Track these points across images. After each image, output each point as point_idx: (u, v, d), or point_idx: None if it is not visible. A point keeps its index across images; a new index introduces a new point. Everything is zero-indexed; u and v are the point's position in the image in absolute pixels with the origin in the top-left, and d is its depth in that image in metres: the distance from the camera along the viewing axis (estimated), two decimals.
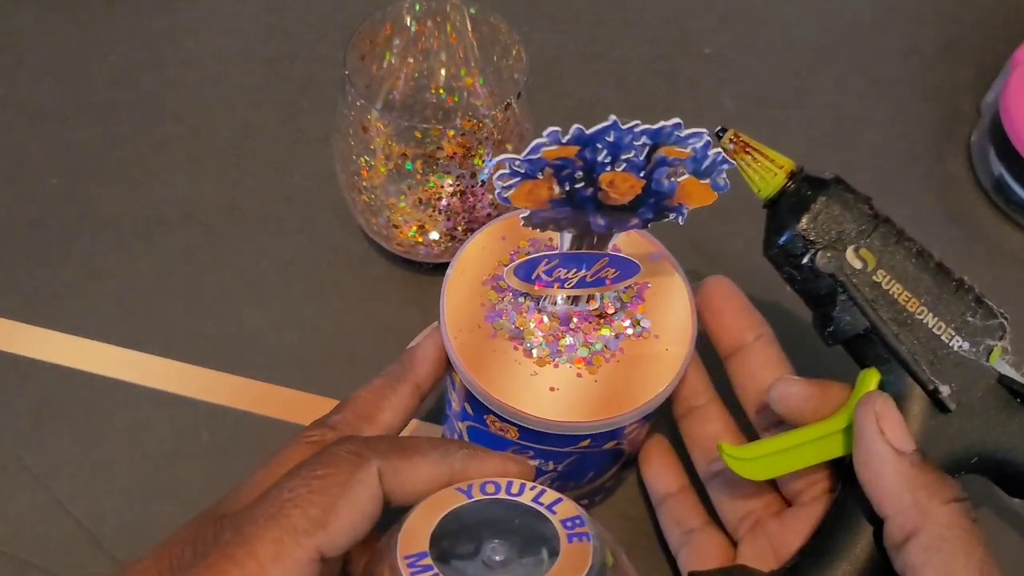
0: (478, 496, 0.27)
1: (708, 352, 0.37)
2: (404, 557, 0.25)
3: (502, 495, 0.27)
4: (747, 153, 0.32)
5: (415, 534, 0.25)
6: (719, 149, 0.28)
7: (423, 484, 0.27)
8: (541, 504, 0.26)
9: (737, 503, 0.35)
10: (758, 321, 0.36)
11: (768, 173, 0.32)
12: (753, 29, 0.58)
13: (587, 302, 0.33)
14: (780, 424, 0.35)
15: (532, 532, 0.26)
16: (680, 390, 0.36)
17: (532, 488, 0.27)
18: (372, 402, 0.32)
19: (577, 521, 0.26)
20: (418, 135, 0.40)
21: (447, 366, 0.34)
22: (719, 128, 0.32)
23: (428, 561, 0.25)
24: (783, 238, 0.32)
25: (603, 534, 0.27)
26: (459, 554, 0.26)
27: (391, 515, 0.27)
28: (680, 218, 0.30)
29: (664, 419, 0.43)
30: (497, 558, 0.25)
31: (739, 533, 0.35)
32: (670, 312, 0.33)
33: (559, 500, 0.26)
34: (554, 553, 0.25)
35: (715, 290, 0.36)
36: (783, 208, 0.32)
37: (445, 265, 0.35)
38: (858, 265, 0.31)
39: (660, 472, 0.38)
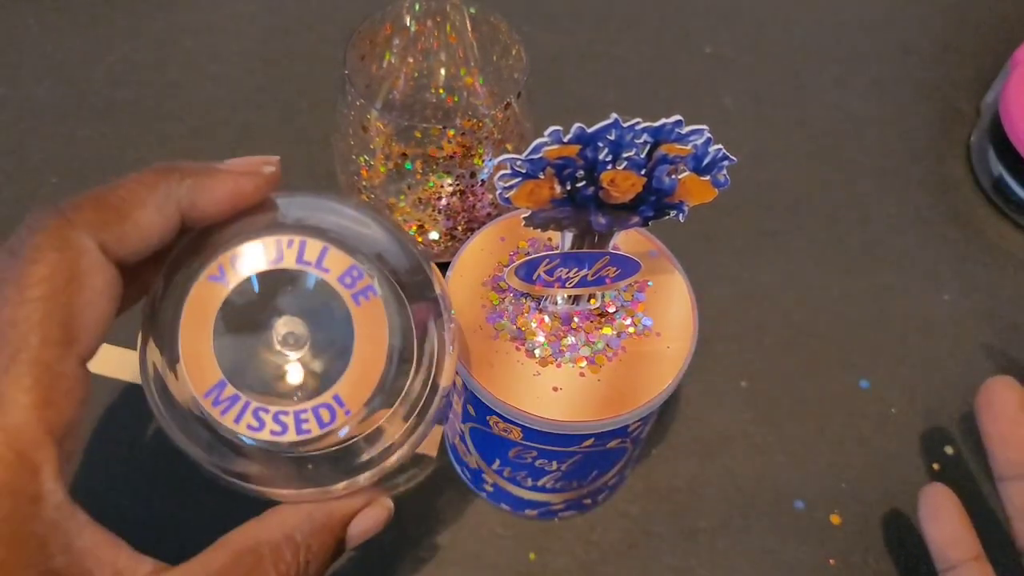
0: (233, 277, 0.24)
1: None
2: (204, 396, 0.23)
3: (262, 266, 0.24)
4: None
5: (199, 364, 0.24)
6: (720, 146, 0.28)
7: (154, 239, 0.24)
8: (308, 263, 0.24)
9: None
10: None
11: None
12: (753, 29, 0.58)
13: (588, 301, 0.33)
14: None
15: (313, 302, 0.24)
16: (1010, 452, 0.34)
17: (290, 245, 0.25)
18: (129, 189, 0.24)
19: (355, 273, 0.24)
20: (418, 135, 0.40)
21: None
22: None
23: (231, 390, 0.23)
24: None
25: (392, 253, 0.25)
26: (251, 361, 0.24)
27: None
28: (681, 215, 0.30)
29: (665, 415, 0.43)
30: (290, 349, 0.24)
31: None
32: (671, 310, 0.33)
33: (325, 251, 0.24)
34: (347, 322, 0.24)
35: (998, 392, 0.34)
36: None
37: (445, 265, 0.34)
38: None
39: (955, 536, 0.35)
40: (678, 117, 0.27)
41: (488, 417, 0.33)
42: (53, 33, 0.55)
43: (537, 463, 0.34)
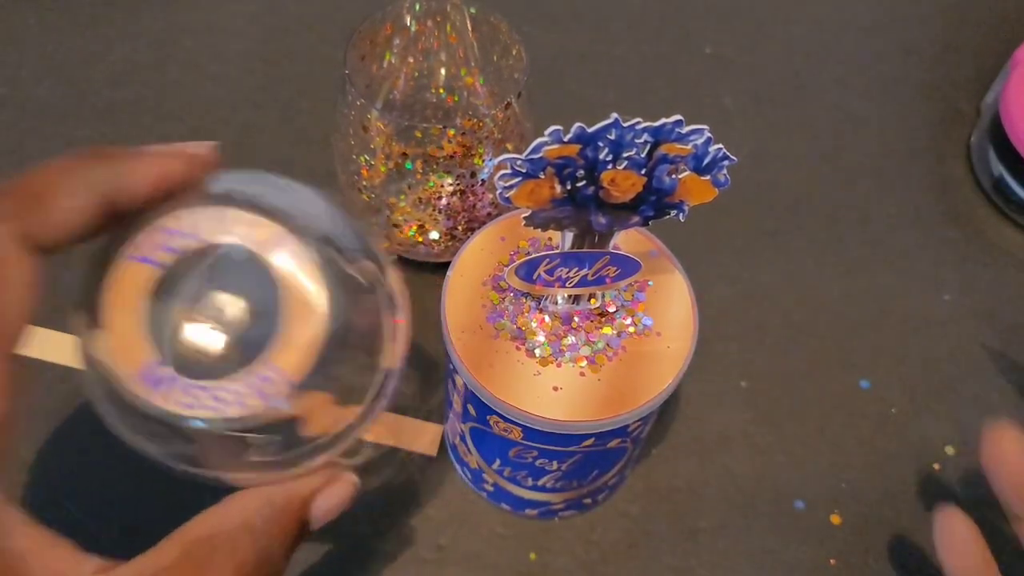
0: (162, 257, 0.24)
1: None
2: (137, 377, 0.23)
3: (188, 240, 0.24)
4: None
5: (129, 345, 0.23)
6: (720, 146, 0.28)
7: (77, 225, 0.23)
8: (242, 239, 0.24)
9: None
10: None
11: None
12: (753, 29, 0.58)
13: (588, 301, 0.33)
14: None
15: (247, 278, 0.24)
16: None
17: (222, 221, 0.24)
18: (48, 175, 0.23)
19: (292, 249, 0.24)
20: (418, 134, 0.40)
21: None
22: None
23: (164, 370, 0.23)
24: None
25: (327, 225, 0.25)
26: (185, 340, 0.24)
27: None
28: (681, 215, 0.30)
29: (665, 415, 0.43)
30: (224, 326, 0.24)
31: None
32: (671, 309, 0.33)
33: (260, 226, 0.24)
34: (281, 298, 0.24)
35: (1001, 445, 0.33)
36: None
37: (445, 265, 0.34)
38: None
39: (977, 568, 0.33)
40: (678, 117, 0.27)
41: (488, 417, 0.33)
42: (53, 33, 0.55)
43: (537, 463, 0.34)
